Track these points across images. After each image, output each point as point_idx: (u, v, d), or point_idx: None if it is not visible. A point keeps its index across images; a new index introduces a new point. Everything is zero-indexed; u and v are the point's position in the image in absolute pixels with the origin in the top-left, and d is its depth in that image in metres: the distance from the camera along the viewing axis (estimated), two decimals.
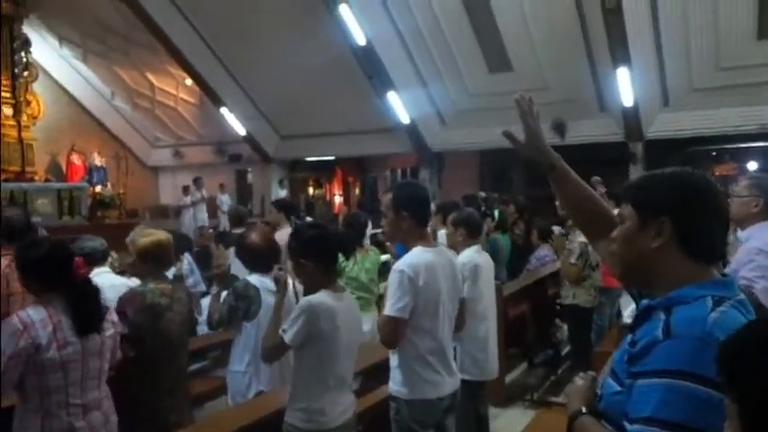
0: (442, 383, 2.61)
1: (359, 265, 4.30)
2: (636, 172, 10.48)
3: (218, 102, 14.23)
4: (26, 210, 8.71)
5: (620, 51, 9.79)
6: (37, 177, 13.09)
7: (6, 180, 11.76)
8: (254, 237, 3.20)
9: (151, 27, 12.50)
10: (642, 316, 1.22)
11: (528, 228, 7.28)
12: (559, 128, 11.30)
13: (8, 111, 12.57)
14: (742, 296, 1.20)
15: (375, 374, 3.13)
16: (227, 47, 13.00)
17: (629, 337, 1.23)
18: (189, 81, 14.52)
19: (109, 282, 3.30)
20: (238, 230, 5.60)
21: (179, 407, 2.89)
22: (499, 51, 11.15)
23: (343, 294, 2.51)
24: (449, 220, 3.85)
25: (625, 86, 10.25)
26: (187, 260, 3.56)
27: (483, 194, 9.23)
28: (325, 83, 12.25)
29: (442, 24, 11.02)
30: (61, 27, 14.52)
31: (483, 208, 7.67)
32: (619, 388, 1.19)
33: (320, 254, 2.45)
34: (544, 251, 6.12)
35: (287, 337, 2.31)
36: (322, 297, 2.38)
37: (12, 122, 12.59)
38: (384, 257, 6.30)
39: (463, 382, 2.80)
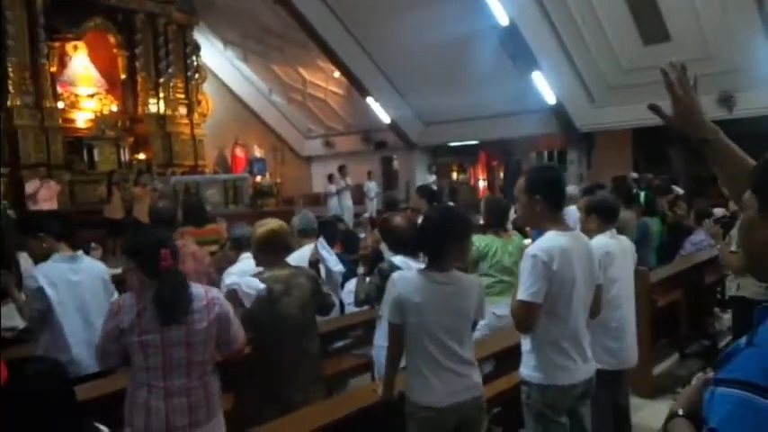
0: (576, 370, 2.55)
1: (502, 248, 4.30)
2: None
3: (364, 92, 14.76)
4: (200, 198, 9.77)
5: None
6: (207, 170, 14.52)
7: (182, 173, 13.21)
8: (398, 220, 3.36)
9: (303, 25, 13.27)
10: (759, 317, 1.08)
11: (689, 210, 6.76)
12: (726, 101, 10.27)
13: (183, 110, 14.05)
14: None
15: (508, 359, 3.15)
16: (372, 38, 13.40)
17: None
18: (337, 73, 15.20)
19: (253, 266, 3.62)
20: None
21: (305, 386, 3.00)
22: (655, 20, 10.33)
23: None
24: (580, 206, 3.70)
25: None
26: (321, 243, 3.79)
27: (635, 175, 8.68)
28: (468, 66, 12.18)
29: None
30: (225, 31, 15.90)
31: (635, 190, 7.22)
32: (708, 394, 1.10)
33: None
34: (701, 236, 5.64)
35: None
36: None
37: (186, 121, 14.06)
38: (527, 242, 6.21)
39: (598, 371, 2.72)
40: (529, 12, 10.99)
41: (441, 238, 2.49)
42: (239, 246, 3.75)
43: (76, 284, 3.27)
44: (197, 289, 2.48)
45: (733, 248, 4.36)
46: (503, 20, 11.01)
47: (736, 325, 4.71)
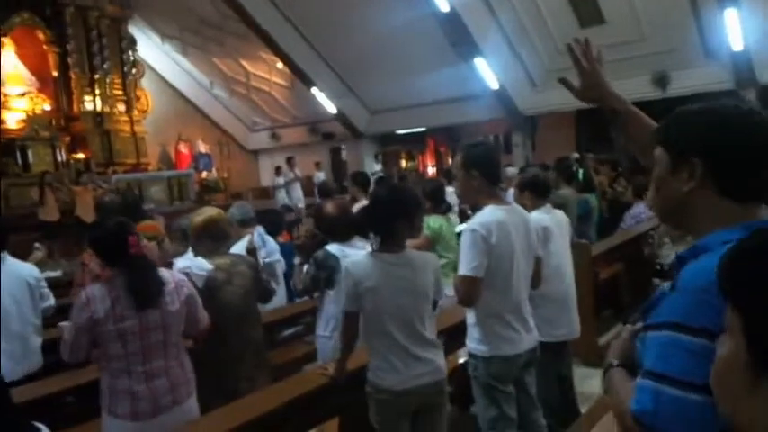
0: (520, 340, 2.62)
1: (447, 228, 4.35)
2: None
3: (308, 82, 14.61)
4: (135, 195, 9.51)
5: None
6: (150, 167, 14.13)
7: (124, 172, 12.82)
8: (329, 207, 3.32)
9: (242, 15, 13.00)
10: (678, 266, 1.13)
11: (627, 185, 7.00)
12: (661, 80, 10.63)
13: (121, 107, 13.60)
14: None
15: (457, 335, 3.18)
16: (314, 27, 13.26)
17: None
18: (280, 64, 15.00)
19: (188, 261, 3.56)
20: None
21: (251, 374, 2.99)
22: (591, 3, 10.59)
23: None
24: (514, 184, 3.77)
25: (734, 29, 9.43)
26: (258, 232, 3.73)
27: (576, 155, 8.91)
28: (411, 54, 12.21)
29: None
30: (162, 24, 15.46)
31: (575, 168, 7.39)
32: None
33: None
34: (639, 208, 5.85)
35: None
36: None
37: (125, 118, 13.62)
38: (462, 227, 6.31)
39: (541, 343, 2.78)
40: None
41: (391, 217, 2.44)
42: (186, 236, 3.67)
43: None
44: (163, 273, 2.56)
45: None
46: (443, 6, 11.07)
47: None
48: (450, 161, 16.85)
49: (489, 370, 2.57)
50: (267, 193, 16.33)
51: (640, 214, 5.84)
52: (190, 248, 3.70)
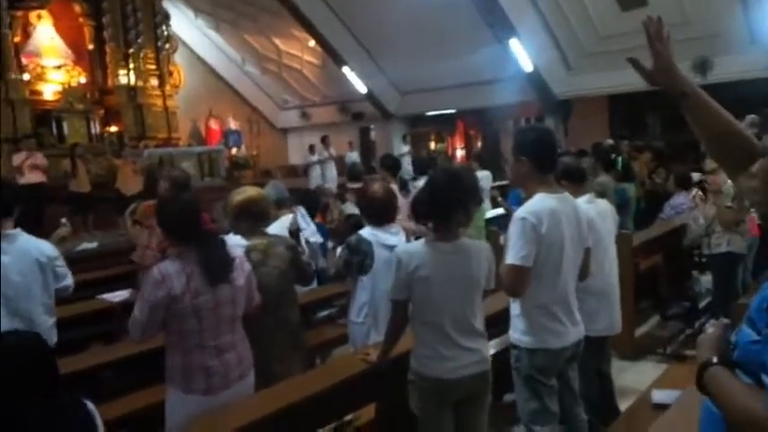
0: (565, 333, 2.55)
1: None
2: None
3: (340, 61, 14.52)
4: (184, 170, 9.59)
5: None
6: (181, 143, 14.21)
7: (156, 146, 12.91)
8: (377, 190, 3.25)
9: None
10: None
11: (667, 175, 6.81)
12: (702, 65, 10.30)
13: (154, 82, 13.66)
14: None
15: (494, 324, 3.13)
16: (348, 6, 13.13)
17: None
18: (312, 43, 14.90)
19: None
20: (353, 185, 5.80)
21: (283, 357, 2.98)
22: None
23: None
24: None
25: None
26: (300, 213, 3.68)
27: (610, 142, 8.71)
28: (445, 34, 12.03)
29: None
30: None
31: (614, 156, 7.24)
32: (756, 337, 1.09)
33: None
34: (680, 199, 5.69)
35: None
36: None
37: (158, 92, 13.69)
38: (492, 213, 6.20)
39: (585, 337, 2.72)
40: None
41: (449, 205, 2.37)
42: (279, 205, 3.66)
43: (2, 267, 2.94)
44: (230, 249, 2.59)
45: (728, 204, 4.39)
46: None
47: (723, 279, 4.74)
48: (479, 144, 16.70)
49: (533, 362, 2.52)
50: (295, 171, 16.34)
51: (681, 205, 5.70)
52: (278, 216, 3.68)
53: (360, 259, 3.08)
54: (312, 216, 4.38)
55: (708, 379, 1.18)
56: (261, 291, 2.85)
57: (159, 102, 13.69)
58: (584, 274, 2.70)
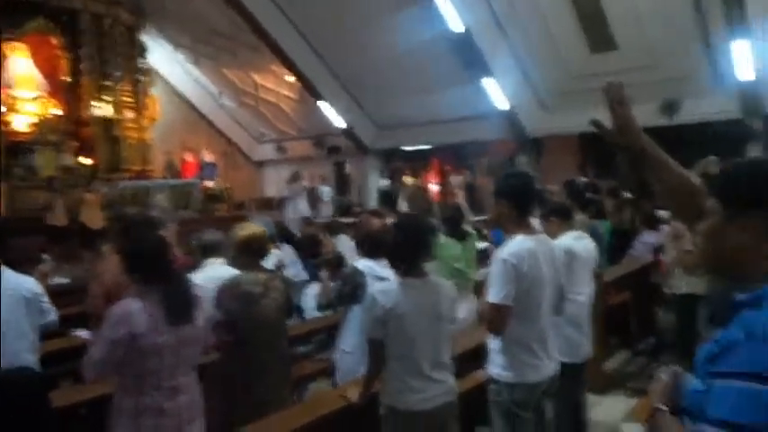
0: (543, 367, 2.65)
1: (461, 251, 4.37)
2: (754, 150, 9.75)
3: (317, 96, 14.69)
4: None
5: (737, 22, 9.11)
6: (155, 175, 14.12)
7: (130, 179, 12.83)
8: (375, 223, 3.40)
9: (255, 27, 13.10)
10: (732, 312, 1.14)
11: (635, 213, 7.01)
12: (670, 107, 10.71)
13: (130, 114, 13.61)
14: None
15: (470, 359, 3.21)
16: (326, 42, 13.37)
17: (719, 333, 1.15)
18: (290, 77, 15.08)
19: (222, 272, 3.57)
20: (345, 219, 5.89)
21: (275, 387, 3.06)
22: (602, 29, 10.70)
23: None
24: (539, 216, 3.84)
25: (742, 60, 9.53)
26: (287, 251, 3.78)
27: (584, 180, 8.93)
28: (422, 72, 12.31)
29: (542, 6, 10.75)
30: (175, 34, 15.56)
31: (589, 194, 7.42)
32: (701, 386, 1.14)
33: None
34: (649, 237, 5.88)
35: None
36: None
37: (133, 125, 13.61)
38: (482, 245, 6.31)
39: (562, 364, 2.82)
40: (482, 19, 11.20)
41: (415, 247, 2.55)
42: (205, 251, 3.69)
43: None
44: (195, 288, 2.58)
45: (688, 248, 4.54)
46: (457, 27, 11.17)
47: (683, 320, 4.89)
48: (452, 180, 16.91)
49: (513, 396, 2.59)
50: (270, 203, 16.32)
51: (650, 242, 5.87)
52: (205, 263, 3.73)
53: (351, 289, 3.19)
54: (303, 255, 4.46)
55: (655, 426, 1.25)
56: (262, 322, 2.97)
57: (135, 134, 13.61)
58: (558, 309, 2.80)
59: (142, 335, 2.32)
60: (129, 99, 13.60)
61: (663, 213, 6.47)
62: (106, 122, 12.97)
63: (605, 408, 4.40)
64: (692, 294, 4.66)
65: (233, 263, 3.18)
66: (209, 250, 3.67)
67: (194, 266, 3.77)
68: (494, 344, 2.67)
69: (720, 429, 1.02)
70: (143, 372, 2.36)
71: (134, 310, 2.34)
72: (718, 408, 1.04)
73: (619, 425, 2.94)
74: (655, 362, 5.24)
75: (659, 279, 5.25)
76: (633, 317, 5.51)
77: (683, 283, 4.68)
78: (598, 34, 10.77)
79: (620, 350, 5.61)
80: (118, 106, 13.21)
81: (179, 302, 2.42)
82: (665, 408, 1.26)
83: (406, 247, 2.55)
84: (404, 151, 16.48)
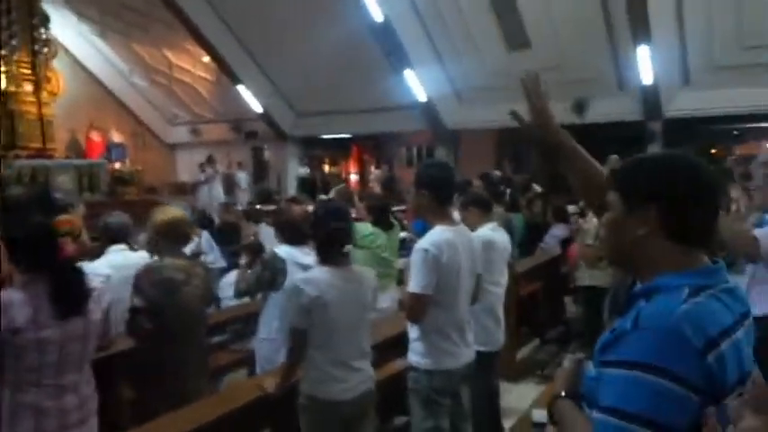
0: (460, 354, 2.72)
1: (385, 240, 4.37)
2: (654, 151, 10.40)
3: (234, 79, 14.27)
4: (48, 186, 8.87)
5: (641, 29, 9.66)
6: (57, 154, 13.24)
7: (28, 157, 11.96)
8: (296, 211, 3.33)
9: (169, 4, 12.53)
10: (629, 303, 1.20)
11: (545, 207, 7.30)
12: (580, 106, 11.22)
13: (29, 87, 12.66)
14: (731, 284, 1.17)
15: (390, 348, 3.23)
16: (244, 24, 12.99)
17: (616, 323, 1.20)
18: (206, 58, 14.55)
19: (125, 258, 3.40)
20: (265, 207, 5.77)
21: (194, 377, 2.96)
22: (518, 28, 11.03)
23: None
24: (458, 205, 3.91)
25: (645, 64, 10.13)
26: (205, 237, 3.64)
27: (498, 173, 9.22)
28: (342, 60, 12.23)
29: (461, 1, 10.93)
30: (79, 3, 14.58)
31: (503, 187, 7.65)
32: (595, 374, 1.19)
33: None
34: (559, 230, 6.14)
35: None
36: None
37: (32, 99, 12.68)
38: (402, 234, 6.37)
39: (477, 353, 2.89)
40: (402, 10, 11.26)
41: (336, 233, 2.51)
42: (111, 236, 3.48)
43: None
44: (88, 278, 2.35)
45: (588, 242, 4.78)
46: (377, 16, 11.18)
47: (589, 311, 5.18)
48: (372, 169, 16.99)
49: (431, 383, 2.64)
50: (184, 188, 15.75)
51: (559, 235, 6.13)
52: (108, 250, 3.54)
53: (273, 276, 3.13)
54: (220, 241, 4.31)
55: (555, 411, 1.30)
56: (183, 310, 2.83)
57: (34, 109, 12.68)
58: (474, 298, 2.87)
59: (21, 329, 2.11)
60: (27, 71, 12.64)
61: (572, 208, 6.79)
62: (1, 95, 12.02)
63: (517, 395, 4.57)
64: (594, 287, 4.91)
65: (152, 246, 2.99)
66: (116, 235, 3.47)
67: (95, 253, 3.56)
68: (413, 332, 2.70)
69: (609, 416, 1.06)
70: (22, 368, 2.15)
71: (13, 302, 2.13)
72: (607, 395, 1.08)
73: (530, 411, 3.04)
74: (564, 350, 5.49)
75: (568, 270, 5.51)
76: (543, 307, 5.75)
77: (586, 276, 4.92)
78: (514, 32, 11.08)
79: (531, 339, 5.83)
80: (15, 78, 12.25)
81: (67, 294, 2.21)
82: (563, 394, 1.31)
83: (327, 236, 2.52)
84: (324, 139, 16.36)
